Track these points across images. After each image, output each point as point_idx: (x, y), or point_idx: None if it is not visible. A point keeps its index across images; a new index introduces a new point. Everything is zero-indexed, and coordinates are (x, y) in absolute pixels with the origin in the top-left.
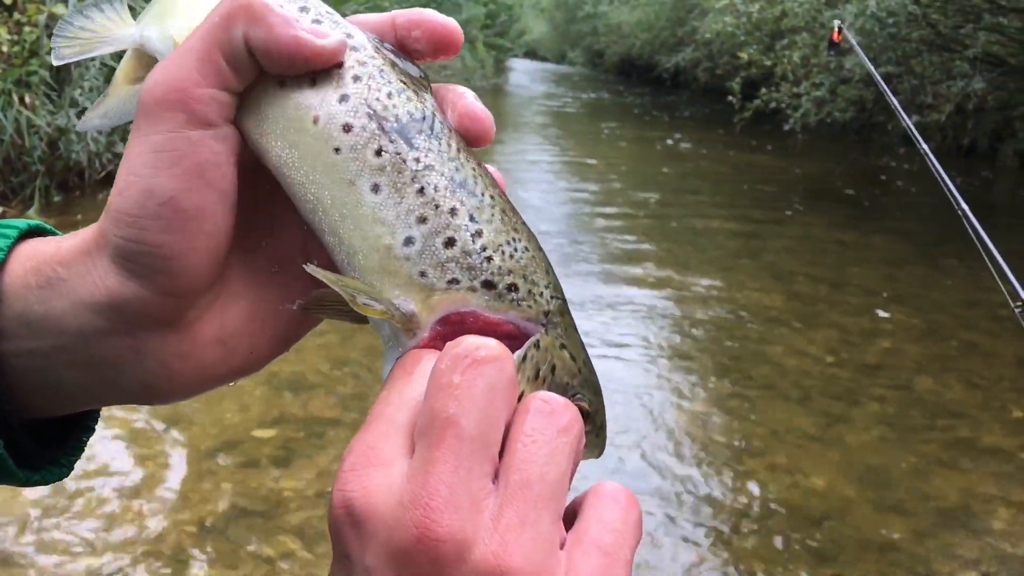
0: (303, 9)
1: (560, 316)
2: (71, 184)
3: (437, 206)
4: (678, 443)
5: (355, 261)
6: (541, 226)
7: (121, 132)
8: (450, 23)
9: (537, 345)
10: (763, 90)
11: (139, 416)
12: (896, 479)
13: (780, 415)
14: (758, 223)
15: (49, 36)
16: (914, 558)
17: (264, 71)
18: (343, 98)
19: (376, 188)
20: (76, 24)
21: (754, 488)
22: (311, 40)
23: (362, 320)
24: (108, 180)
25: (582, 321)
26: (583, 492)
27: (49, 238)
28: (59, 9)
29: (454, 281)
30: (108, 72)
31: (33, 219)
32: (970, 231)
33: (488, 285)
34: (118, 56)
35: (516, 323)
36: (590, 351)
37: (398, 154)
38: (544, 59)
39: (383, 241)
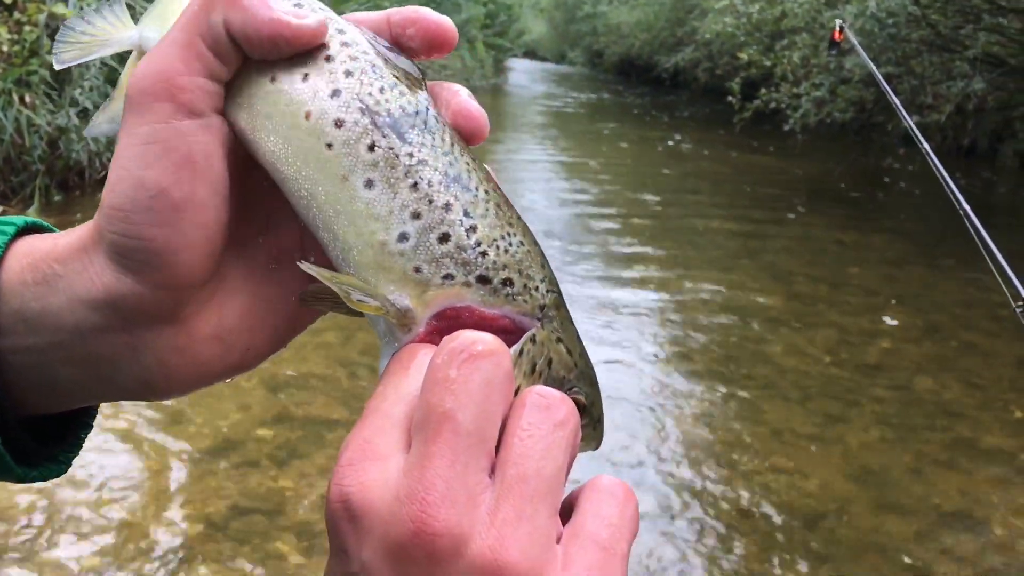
0: None
1: (556, 310)
2: (71, 183)
3: (431, 201)
4: (677, 443)
5: (350, 257)
6: (541, 227)
7: None
8: (444, 21)
9: (533, 339)
10: (763, 90)
11: (139, 415)
12: (896, 479)
13: (780, 415)
14: (758, 223)
15: (50, 36)
16: (913, 559)
17: (252, 60)
18: (335, 93)
19: (370, 184)
20: (78, 29)
21: (753, 488)
22: (289, 20)
23: (359, 312)
24: None
25: (582, 322)
26: (580, 486)
27: (46, 235)
28: (59, 9)
29: (449, 276)
30: (109, 72)
31: (30, 217)
32: (971, 231)
33: (483, 280)
34: (120, 57)
35: (512, 317)
36: (589, 351)
37: (391, 149)
38: (543, 59)
39: (377, 237)
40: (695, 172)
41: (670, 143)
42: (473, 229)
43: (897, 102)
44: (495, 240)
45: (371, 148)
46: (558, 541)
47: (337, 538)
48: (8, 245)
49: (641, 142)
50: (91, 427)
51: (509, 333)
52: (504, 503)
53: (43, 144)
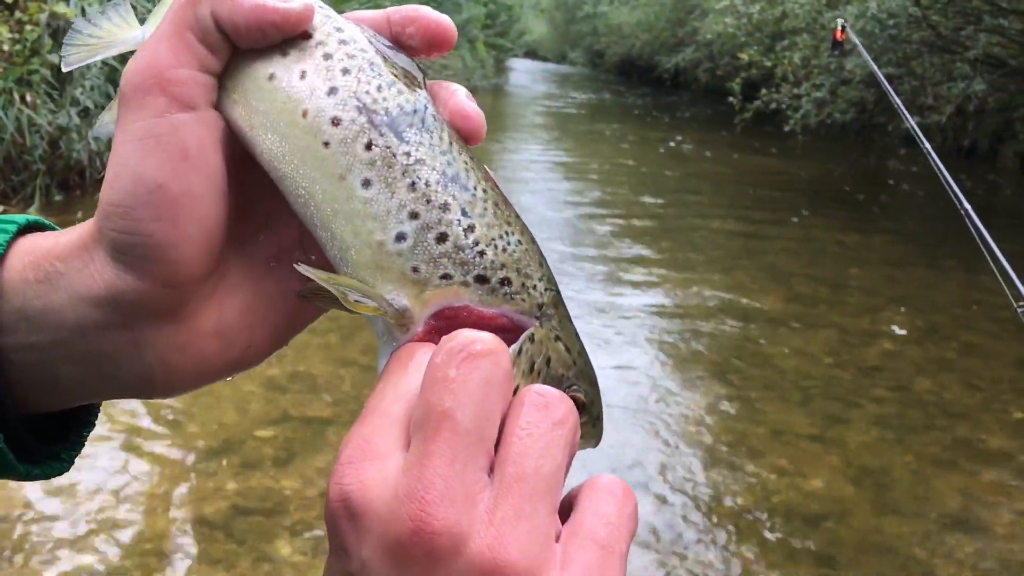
0: None
1: (554, 308)
2: (72, 183)
3: (429, 201)
4: (677, 443)
5: (348, 256)
6: (541, 228)
7: None
8: (444, 20)
9: (532, 338)
10: (763, 91)
11: (140, 415)
12: (896, 480)
13: (780, 416)
14: (759, 224)
15: (51, 35)
16: (914, 560)
17: (250, 57)
18: (332, 91)
19: (367, 183)
20: (84, 32)
21: (754, 489)
22: (276, 5)
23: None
24: None
25: (582, 323)
26: (579, 484)
27: (47, 233)
28: (60, 8)
29: (447, 276)
30: (110, 71)
31: (32, 215)
32: (973, 231)
33: (481, 280)
34: (123, 57)
35: (510, 316)
36: (589, 352)
37: (388, 148)
38: (544, 59)
39: (375, 237)
40: (697, 173)
41: (672, 144)
42: (471, 229)
43: (899, 102)
44: (493, 239)
45: (368, 147)
46: (557, 540)
47: (337, 536)
48: (10, 243)
49: (642, 143)
50: (93, 425)
51: (507, 332)
52: (503, 502)
53: (44, 143)
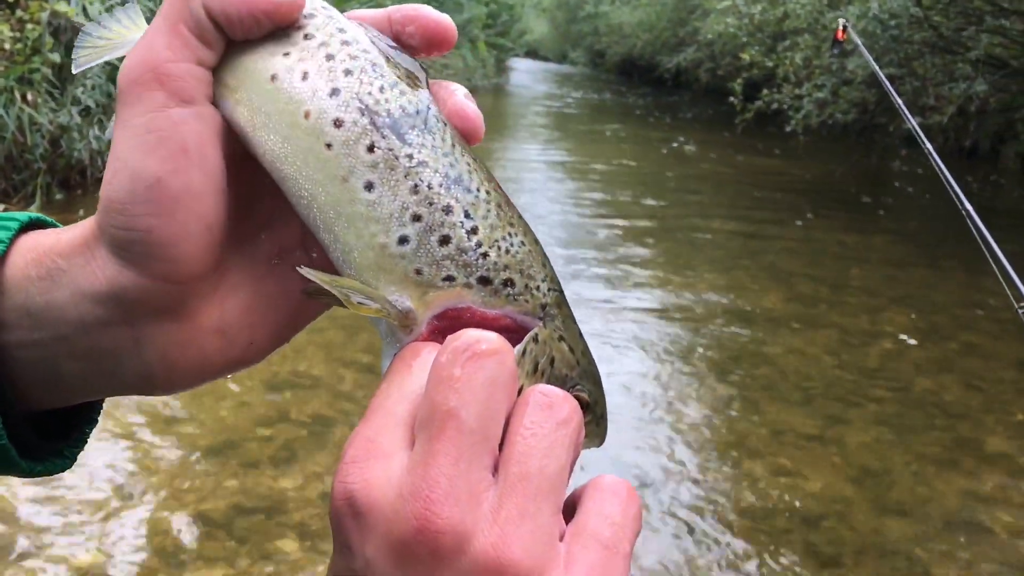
0: None
1: (557, 308)
2: (73, 182)
3: (431, 203)
4: (678, 443)
5: (351, 259)
6: (542, 229)
7: None
8: (444, 19)
9: (535, 339)
10: (765, 91)
11: (141, 414)
12: (896, 481)
13: (781, 416)
14: (760, 225)
15: (52, 33)
16: (914, 560)
17: (253, 56)
18: (334, 92)
19: (370, 186)
20: (94, 35)
21: (754, 489)
22: None
23: None
24: None
25: (583, 323)
26: (583, 484)
27: (49, 230)
28: (61, 7)
29: (450, 278)
30: (111, 70)
31: (34, 213)
32: (974, 232)
33: (484, 281)
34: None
35: (513, 317)
36: (591, 352)
37: (390, 150)
38: (545, 59)
39: (378, 240)
40: (697, 174)
41: (674, 145)
42: (474, 231)
43: (900, 103)
44: (496, 241)
45: (370, 149)
46: (561, 539)
47: (341, 535)
48: (12, 241)
49: (644, 143)
50: (95, 422)
51: (511, 332)
52: (507, 501)
53: (45, 142)
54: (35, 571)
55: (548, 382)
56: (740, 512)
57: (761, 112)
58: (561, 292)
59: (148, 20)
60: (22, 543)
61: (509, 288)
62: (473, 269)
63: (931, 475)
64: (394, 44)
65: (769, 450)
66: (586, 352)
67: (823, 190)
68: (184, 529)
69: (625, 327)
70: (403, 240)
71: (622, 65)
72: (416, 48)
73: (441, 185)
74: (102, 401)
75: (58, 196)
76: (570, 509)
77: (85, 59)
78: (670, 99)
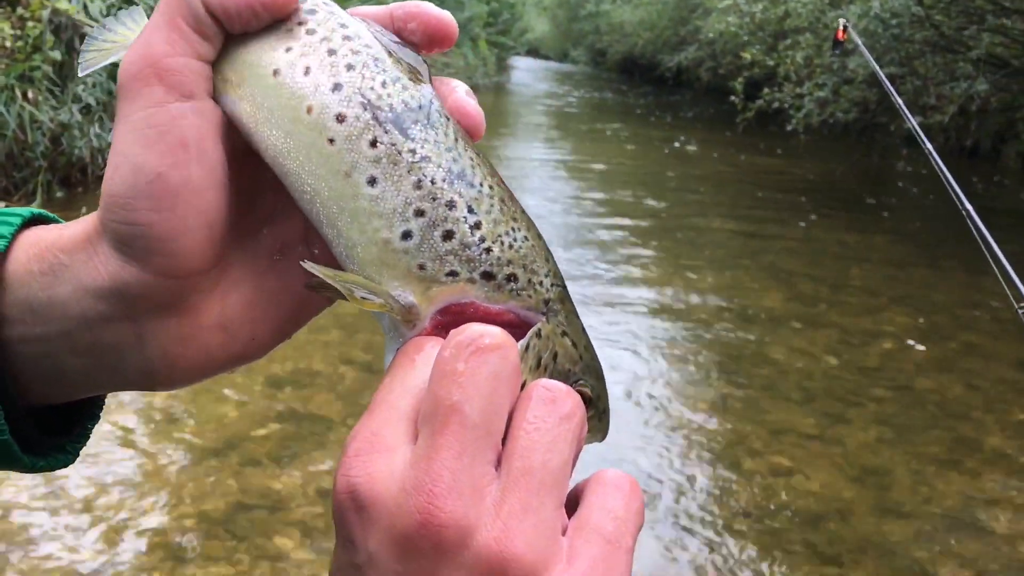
0: None
1: (560, 303)
2: (73, 180)
3: (434, 198)
4: (678, 443)
5: (353, 254)
6: (542, 227)
7: None
8: (445, 16)
9: (538, 334)
10: (766, 90)
11: (141, 412)
12: (897, 480)
13: (781, 415)
14: (761, 224)
15: (53, 31)
16: (914, 560)
17: (255, 52)
18: (336, 87)
19: (372, 180)
20: (100, 38)
21: (754, 488)
22: None
23: None
24: None
25: (583, 321)
26: (586, 479)
27: (52, 226)
28: (62, 4)
29: (453, 273)
30: (112, 69)
31: (36, 208)
32: (974, 232)
33: (487, 276)
34: None
35: (516, 312)
36: (594, 347)
37: (393, 145)
38: (546, 57)
39: (381, 235)
40: (698, 173)
41: (676, 144)
42: (477, 226)
43: (900, 103)
44: (499, 236)
45: (373, 144)
46: (563, 533)
47: (344, 529)
48: (14, 236)
49: (645, 143)
50: (98, 418)
51: (514, 327)
52: (510, 495)
53: (45, 140)
54: (34, 570)
55: (551, 377)
56: (740, 511)
57: (762, 111)
58: (564, 287)
59: None
60: (21, 542)
61: (512, 283)
62: (476, 264)
63: (931, 475)
64: (397, 39)
65: (769, 449)
66: (589, 347)
67: (824, 189)
68: (184, 527)
69: (625, 326)
70: (406, 235)
71: (623, 64)
72: (418, 44)
73: (444, 180)
74: (104, 397)
75: (59, 194)
76: (572, 503)
77: (91, 61)
78: (671, 98)
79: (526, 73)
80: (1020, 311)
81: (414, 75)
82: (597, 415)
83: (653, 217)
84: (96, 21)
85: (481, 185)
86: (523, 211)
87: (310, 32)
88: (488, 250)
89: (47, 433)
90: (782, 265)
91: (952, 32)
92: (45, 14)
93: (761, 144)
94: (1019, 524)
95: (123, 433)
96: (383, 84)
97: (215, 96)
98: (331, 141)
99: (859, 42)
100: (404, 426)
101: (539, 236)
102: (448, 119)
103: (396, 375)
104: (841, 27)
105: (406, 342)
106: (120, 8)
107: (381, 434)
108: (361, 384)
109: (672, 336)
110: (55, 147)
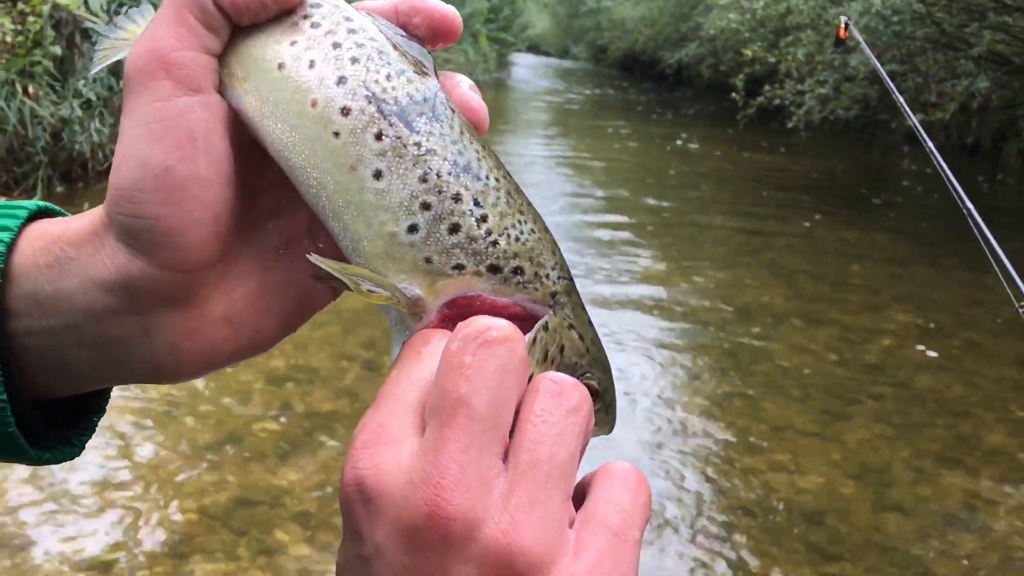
0: None
1: (567, 296)
2: (74, 175)
3: (440, 192)
4: (678, 439)
5: (360, 247)
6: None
7: None
8: (450, 11)
9: (546, 327)
10: (767, 87)
11: (143, 406)
12: (897, 478)
13: (781, 412)
14: (762, 222)
15: (53, 26)
16: (914, 558)
17: (259, 46)
18: (341, 80)
19: (378, 174)
20: (110, 36)
21: (754, 486)
22: None
23: None
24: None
25: None
26: (593, 471)
27: (58, 219)
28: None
29: (459, 266)
30: (114, 64)
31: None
32: (975, 230)
33: (494, 269)
34: None
35: (523, 305)
36: (601, 341)
37: (399, 138)
38: (547, 54)
39: (387, 228)
40: (699, 170)
41: (678, 142)
42: (484, 219)
43: (901, 100)
44: (506, 228)
45: (378, 137)
46: (571, 526)
47: (351, 521)
48: (20, 229)
49: (646, 139)
50: (104, 411)
51: (521, 320)
52: (517, 488)
53: (46, 135)
54: (35, 565)
55: (558, 370)
56: (740, 508)
57: (763, 108)
58: (571, 280)
59: None
60: (22, 537)
61: (519, 276)
62: (483, 257)
63: (931, 472)
64: (402, 32)
65: (769, 446)
66: (596, 340)
67: (825, 187)
68: (184, 521)
69: (626, 323)
70: (412, 228)
71: (624, 60)
72: (422, 39)
73: (450, 173)
74: (110, 390)
75: (59, 189)
76: (579, 496)
77: (101, 59)
78: (672, 95)
79: (526, 69)
80: (1020, 310)
81: (419, 68)
82: (604, 408)
83: (654, 214)
84: (97, 16)
85: (487, 178)
86: (529, 204)
87: (315, 25)
88: (494, 243)
89: (53, 426)
90: (783, 262)
91: (953, 29)
92: (46, 9)
93: (762, 141)
94: (1018, 522)
95: (123, 428)
96: (388, 77)
97: (221, 90)
98: (336, 134)
99: (860, 39)
100: (411, 418)
101: (546, 229)
102: (454, 111)
103: (403, 368)
104: (842, 24)
105: (413, 335)
106: (121, 2)
107: (388, 426)
108: (361, 380)
109: (672, 333)
110: (55, 142)
